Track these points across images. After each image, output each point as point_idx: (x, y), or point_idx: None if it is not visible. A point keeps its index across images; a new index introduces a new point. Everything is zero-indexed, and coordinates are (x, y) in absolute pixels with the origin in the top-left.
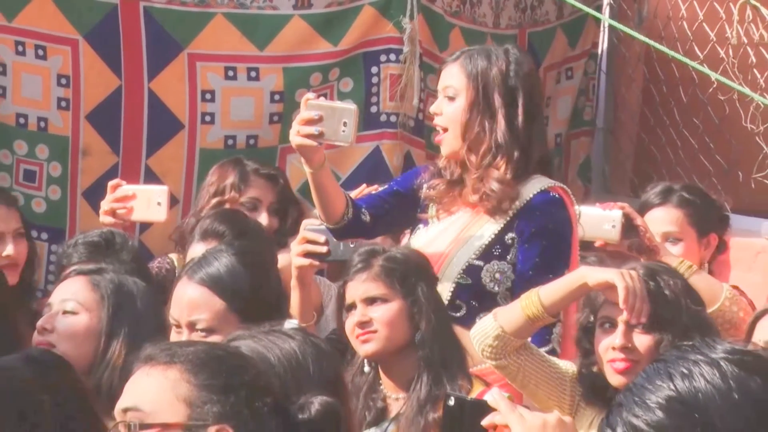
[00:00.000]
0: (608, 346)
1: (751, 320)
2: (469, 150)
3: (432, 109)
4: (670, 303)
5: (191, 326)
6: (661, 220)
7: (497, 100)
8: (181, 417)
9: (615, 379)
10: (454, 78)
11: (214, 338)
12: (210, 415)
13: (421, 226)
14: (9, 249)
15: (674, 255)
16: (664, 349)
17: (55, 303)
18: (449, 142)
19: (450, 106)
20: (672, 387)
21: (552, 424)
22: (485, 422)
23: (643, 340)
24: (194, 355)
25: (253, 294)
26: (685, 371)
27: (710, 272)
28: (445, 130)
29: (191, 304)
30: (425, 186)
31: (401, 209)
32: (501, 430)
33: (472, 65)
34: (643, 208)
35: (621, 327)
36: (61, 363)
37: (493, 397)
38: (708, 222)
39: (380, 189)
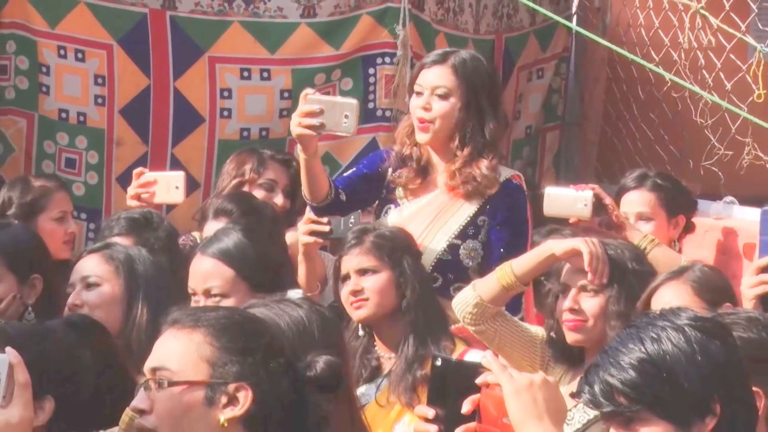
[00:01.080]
0: (562, 309)
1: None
2: (460, 143)
3: (422, 104)
4: (615, 265)
5: (207, 293)
6: (636, 201)
7: (485, 101)
8: (204, 376)
9: (569, 336)
10: (444, 79)
11: (226, 302)
12: (230, 374)
13: (392, 206)
14: (73, 226)
15: (638, 230)
16: (612, 304)
17: (77, 281)
18: (435, 132)
19: (440, 104)
20: (643, 350)
21: (538, 384)
22: (479, 380)
23: (591, 302)
24: (216, 320)
25: (259, 263)
26: (654, 336)
27: (679, 250)
28: (432, 122)
29: (205, 274)
30: (391, 171)
31: (369, 189)
32: (492, 388)
33: (463, 69)
34: (620, 191)
35: (572, 292)
36: (97, 326)
37: (486, 358)
38: (677, 205)
39: (350, 172)
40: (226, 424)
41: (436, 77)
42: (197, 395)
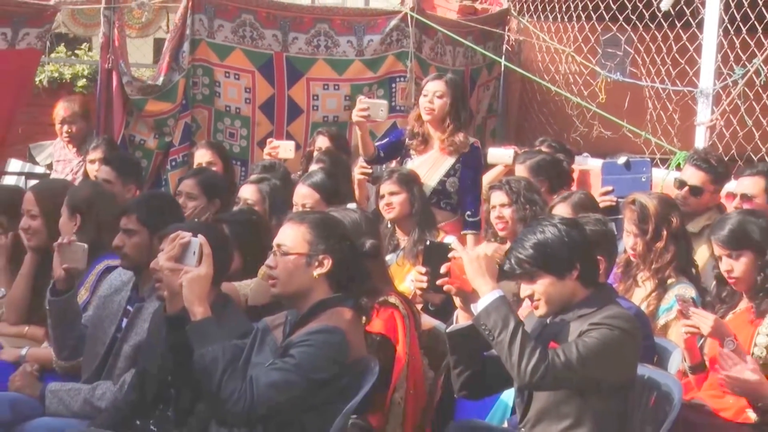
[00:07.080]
0: (493, 219)
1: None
2: (448, 123)
3: (428, 101)
4: (516, 192)
5: (303, 205)
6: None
7: (460, 101)
8: (305, 250)
9: (500, 234)
10: (441, 87)
11: None
12: (320, 249)
13: (408, 159)
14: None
15: None
16: (517, 212)
17: (242, 200)
18: (434, 116)
19: (438, 101)
20: (535, 237)
21: (482, 256)
22: (450, 255)
23: (506, 211)
24: (314, 218)
25: (334, 192)
26: (540, 230)
27: None
28: (434, 110)
29: (303, 195)
30: (407, 140)
31: (395, 150)
32: (457, 259)
33: (451, 83)
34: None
35: (497, 208)
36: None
37: (453, 243)
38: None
39: (385, 140)
40: (317, 277)
41: (435, 86)
42: (301, 260)
